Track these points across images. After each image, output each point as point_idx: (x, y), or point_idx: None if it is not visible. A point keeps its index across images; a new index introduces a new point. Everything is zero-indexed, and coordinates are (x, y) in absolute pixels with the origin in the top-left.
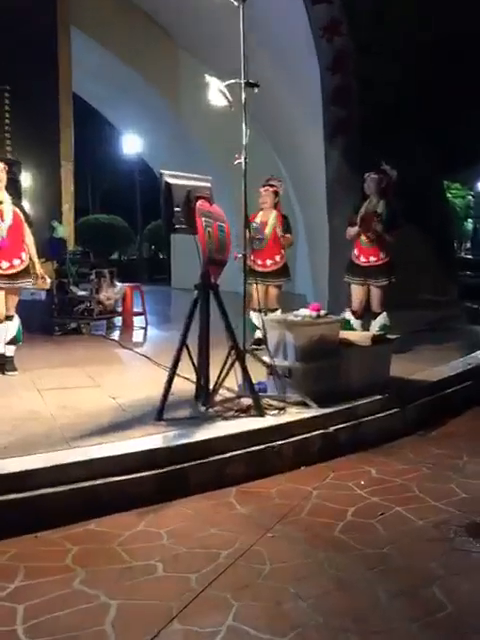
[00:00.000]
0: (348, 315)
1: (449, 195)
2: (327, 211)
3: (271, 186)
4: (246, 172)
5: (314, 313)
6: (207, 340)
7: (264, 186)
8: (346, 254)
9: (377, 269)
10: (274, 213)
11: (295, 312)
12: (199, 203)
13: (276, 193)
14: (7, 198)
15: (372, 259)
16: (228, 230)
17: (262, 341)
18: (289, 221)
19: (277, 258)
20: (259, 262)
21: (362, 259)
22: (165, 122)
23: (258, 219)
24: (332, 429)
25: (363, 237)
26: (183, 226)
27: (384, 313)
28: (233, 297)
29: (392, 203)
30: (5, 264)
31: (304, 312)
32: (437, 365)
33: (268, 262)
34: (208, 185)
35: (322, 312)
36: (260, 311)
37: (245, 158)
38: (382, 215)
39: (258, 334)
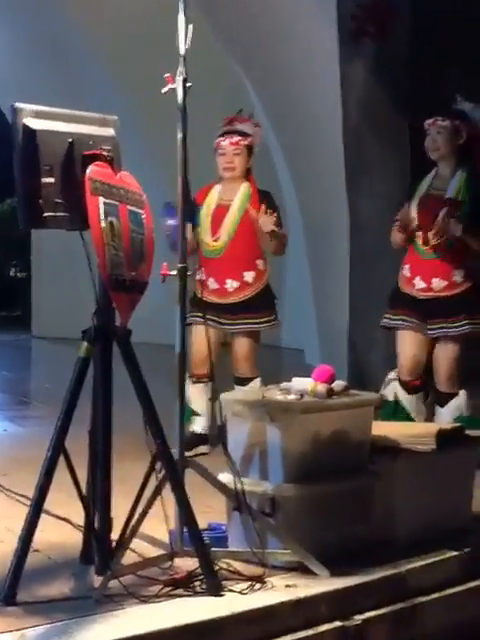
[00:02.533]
0: (393, 389)
1: None
2: (346, 187)
3: (240, 135)
4: (185, 109)
5: (321, 386)
6: (107, 442)
7: (226, 135)
8: (386, 273)
9: (449, 304)
10: (245, 187)
11: (285, 385)
12: (92, 168)
13: (249, 149)
14: None
15: (439, 284)
16: (150, 222)
17: (209, 440)
18: (275, 202)
19: (248, 276)
20: (211, 284)
21: (419, 284)
22: (34, 19)
23: (213, 199)
24: (359, 621)
25: (421, 242)
26: (60, 213)
27: (462, 392)
28: (161, 354)
29: None
30: None
31: (302, 385)
32: None
33: (229, 284)
34: (111, 133)
35: (337, 384)
36: (207, 381)
37: (185, 81)
38: (461, 200)
39: (198, 426)
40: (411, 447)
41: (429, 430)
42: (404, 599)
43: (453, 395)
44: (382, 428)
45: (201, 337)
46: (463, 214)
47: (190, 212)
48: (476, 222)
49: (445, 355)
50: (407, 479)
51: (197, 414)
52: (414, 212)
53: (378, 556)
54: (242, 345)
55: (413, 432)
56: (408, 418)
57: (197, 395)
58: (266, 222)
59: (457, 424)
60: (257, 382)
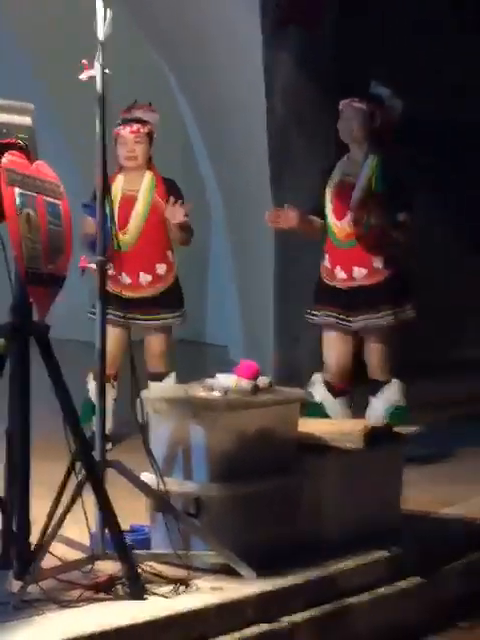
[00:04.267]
0: (318, 388)
1: None
2: (271, 180)
3: (141, 123)
4: (105, 98)
5: (245, 383)
6: (24, 443)
7: (125, 124)
8: (310, 267)
9: (371, 294)
10: (149, 177)
11: (208, 381)
12: (7, 158)
13: (150, 136)
14: None
15: (359, 272)
16: (68, 213)
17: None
18: (180, 191)
19: (159, 269)
20: (124, 278)
21: (340, 274)
22: None
23: (117, 190)
24: (286, 623)
25: (337, 230)
26: None
27: (395, 382)
28: (81, 351)
29: (396, 161)
30: None
31: (225, 381)
32: None
33: (142, 277)
34: (27, 122)
35: (262, 381)
36: (114, 381)
37: (102, 67)
38: (375, 185)
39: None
40: (339, 445)
41: (357, 427)
42: (333, 600)
43: (386, 383)
44: (309, 426)
45: (112, 336)
46: (378, 199)
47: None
48: (392, 208)
49: (375, 345)
50: (335, 478)
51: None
52: (328, 200)
53: (306, 557)
54: (157, 341)
55: (341, 430)
56: (330, 417)
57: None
58: (175, 213)
59: (385, 421)
60: (172, 377)
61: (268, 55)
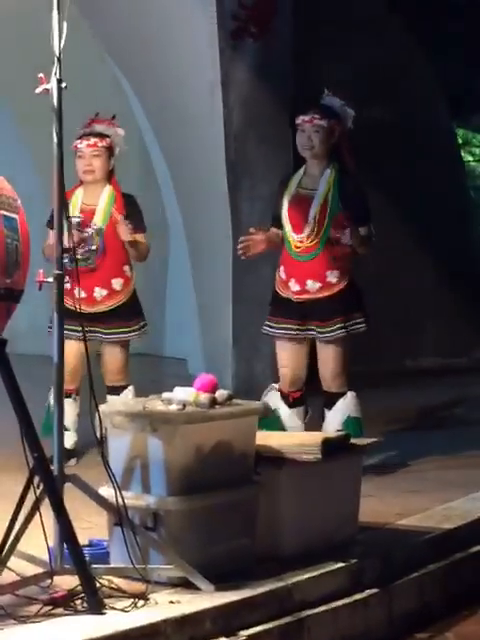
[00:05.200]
0: (273, 398)
1: (469, 158)
2: (228, 190)
3: (99, 137)
4: (61, 110)
5: (204, 396)
6: None
7: (83, 137)
8: (268, 279)
9: (326, 305)
10: (108, 191)
11: (166, 395)
12: None
13: (110, 150)
14: None
15: (313, 285)
16: (25, 227)
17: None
18: (139, 206)
19: (116, 284)
20: (79, 293)
21: (294, 286)
22: None
23: (76, 204)
24: (245, 637)
25: (294, 243)
26: None
27: (349, 393)
28: (38, 365)
29: (352, 173)
30: None
31: (184, 395)
32: (452, 499)
33: (97, 293)
34: None
35: (220, 394)
36: (76, 396)
37: (59, 82)
38: (333, 200)
39: (66, 441)
40: (296, 457)
41: (314, 439)
42: (290, 613)
43: (340, 395)
44: (266, 438)
45: (71, 351)
46: (335, 212)
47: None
48: (350, 221)
49: (327, 356)
50: (292, 490)
51: (65, 429)
52: (285, 213)
53: (264, 570)
54: (114, 354)
55: (298, 441)
56: (285, 429)
57: (65, 410)
58: (122, 231)
59: (342, 432)
60: (131, 390)
61: (225, 66)
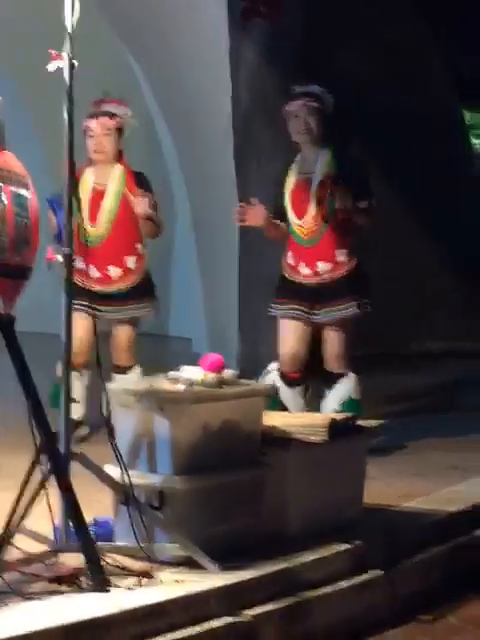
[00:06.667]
0: (272, 377)
1: (476, 141)
2: (236, 171)
3: (109, 116)
4: (72, 90)
5: (211, 375)
6: None
7: (93, 117)
8: (274, 260)
9: (336, 286)
10: (119, 170)
11: (173, 374)
12: None
13: (119, 130)
14: None
15: (324, 267)
16: (35, 204)
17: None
18: (150, 184)
19: (129, 262)
20: (93, 272)
21: (304, 270)
22: None
23: (87, 184)
24: (249, 616)
25: (299, 229)
26: None
27: (351, 375)
28: (48, 343)
29: (349, 150)
30: None
31: (191, 374)
32: (455, 482)
33: (111, 271)
34: None
35: (227, 373)
36: (85, 370)
37: (71, 58)
38: (330, 176)
39: (75, 413)
40: (303, 438)
41: (321, 420)
42: (295, 593)
43: (342, 376)
44: (272, 418)
45: (81, 325)
46: (336, 191)
47: (75, 190)
48: (354, 196)
49: (334, 336)
50: (299, 470)
51: (74, 401)
52: (288, 200)
53: (269, 550)
54: (124, 333)
55: (305, 422)
56: (288, 409)
57: (74, 382)
58: (140, 205)
59: (349, 414)
60: (137, 370)
61: (234, 46)
